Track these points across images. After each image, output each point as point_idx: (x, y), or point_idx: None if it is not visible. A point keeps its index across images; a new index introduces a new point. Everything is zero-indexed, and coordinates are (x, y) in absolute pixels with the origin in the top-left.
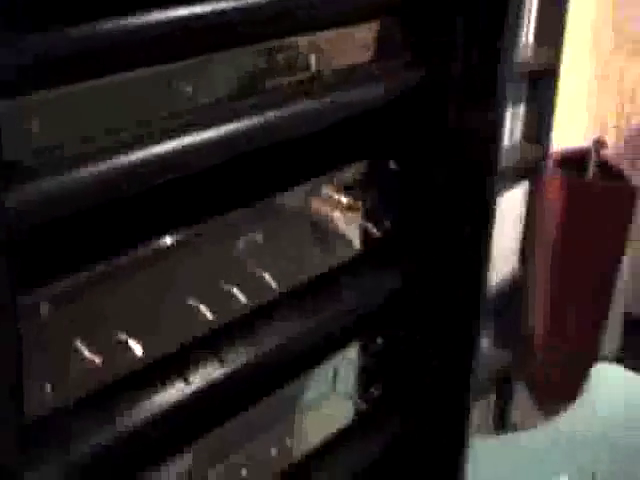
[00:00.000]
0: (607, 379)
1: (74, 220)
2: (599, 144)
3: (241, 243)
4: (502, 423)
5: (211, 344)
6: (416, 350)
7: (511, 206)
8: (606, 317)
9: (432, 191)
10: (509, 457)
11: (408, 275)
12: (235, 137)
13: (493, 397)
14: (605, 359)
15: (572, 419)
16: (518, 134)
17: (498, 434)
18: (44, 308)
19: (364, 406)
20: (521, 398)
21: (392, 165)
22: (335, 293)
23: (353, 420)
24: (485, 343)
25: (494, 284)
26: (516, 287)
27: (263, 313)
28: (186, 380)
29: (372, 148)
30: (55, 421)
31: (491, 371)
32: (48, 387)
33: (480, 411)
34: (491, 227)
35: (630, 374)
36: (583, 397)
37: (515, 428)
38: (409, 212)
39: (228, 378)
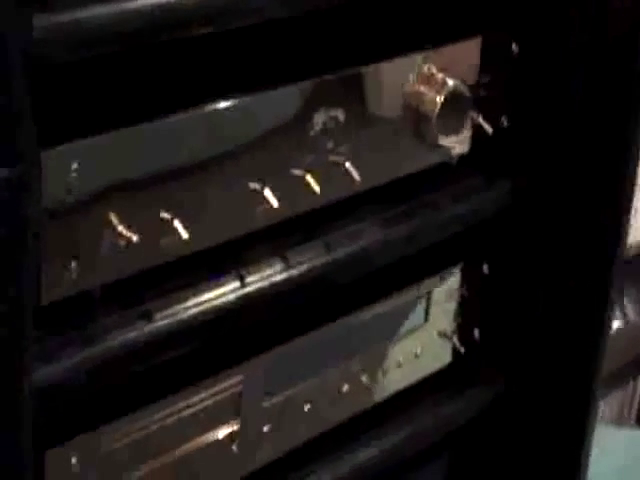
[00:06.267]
0: None
1: (110, 67)
2: None
3: (317, 119)
4: None
5: (274, 240)
6: (530, 285)
7: None
8: None
9: (560, 85)
10: None
11: (522, 190)
12: None
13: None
14: None
15: None
16: None
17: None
18: (71, 166)
19: (462, 350)
20: None
21: (514, 47)
22: (431, 199)
23: (447, 366)
24: (630, 311)
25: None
26: None
27: (340, 211)
28: (242, 279)
29: (490, 21)
30: (78, 306)
31: (635, 348)
32: (73, 264)
33: (617, 399)
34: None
35: None
36: None
37: None
38: (529, 110)
39: (292, 283)
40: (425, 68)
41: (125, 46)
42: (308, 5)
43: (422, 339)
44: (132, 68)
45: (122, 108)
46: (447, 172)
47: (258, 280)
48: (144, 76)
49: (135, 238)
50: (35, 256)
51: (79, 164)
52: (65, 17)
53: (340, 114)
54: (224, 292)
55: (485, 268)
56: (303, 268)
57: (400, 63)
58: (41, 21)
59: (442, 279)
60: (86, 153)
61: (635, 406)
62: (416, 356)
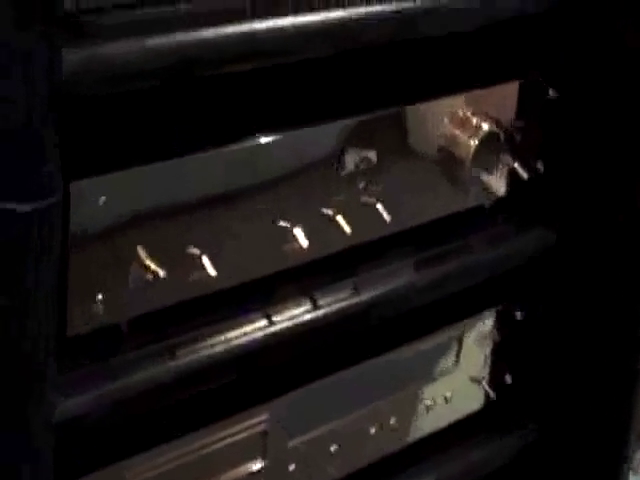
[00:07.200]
0: None
1: (141, 101)
2: None
3: (350, 159)
4: None
5: (302, 279)
6: (564, 332)
7: None
8: None
9: (597, 131)
10: None
11: (557, 236)
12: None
13: None
14: None
15: None
16: None
17: None
18: (100, 199)
19: (492, 395)
20: None
21: (550, 92)
22: (464, 244)
23: (478, 411)
24: None
25: None
26: None
27: (370, 252)
28: (269, 318)
29: (526, 66)
30: (103, 341)
31: None
32: (99, 297)
33: None
34: None
35: None
36: None
37: None
38: (565, 156)
39: (320, 324)
40: (460, 111)
41: (156, 82)
42: (344, 45)
43: (453, 383)
44: (163, 103)
45: (152, 143)
46: (481, 216)
47: (285, 319)
48: (175, 111)
49: (162, 273)
50: (57, 274)
51: (107, 197)
52: (98, 51)
53: (372, 155)
54: (250, 330)
55: (518, 314)
56: (331, 309)
57: (435, 105)
58: (74, 55)
59: (474, 324)
60: (114, 186)
61: None
62: (446, 400)
